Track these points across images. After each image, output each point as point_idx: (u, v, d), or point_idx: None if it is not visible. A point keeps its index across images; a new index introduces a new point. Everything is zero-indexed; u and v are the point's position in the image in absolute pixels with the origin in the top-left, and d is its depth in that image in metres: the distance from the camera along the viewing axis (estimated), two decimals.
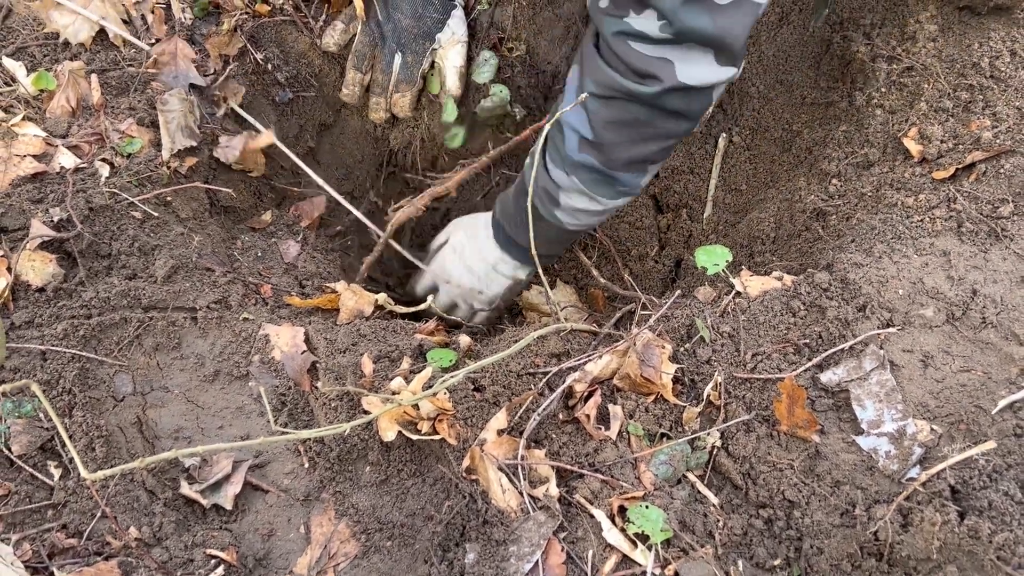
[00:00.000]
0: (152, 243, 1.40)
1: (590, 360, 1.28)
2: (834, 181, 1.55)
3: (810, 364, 1.22)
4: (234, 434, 1.27)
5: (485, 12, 1.79)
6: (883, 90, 1.52)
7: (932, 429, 1.13)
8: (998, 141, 1.34)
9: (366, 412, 1.22)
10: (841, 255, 1.37)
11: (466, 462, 1.17)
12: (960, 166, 1.36)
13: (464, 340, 1.40)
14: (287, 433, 1.09)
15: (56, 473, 1.16)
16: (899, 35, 1.54)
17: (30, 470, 1.15)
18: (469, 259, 1.72)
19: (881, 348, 1.21)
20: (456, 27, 1.74)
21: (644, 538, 1.09)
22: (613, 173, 1.38)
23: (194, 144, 1.50)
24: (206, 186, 1.52)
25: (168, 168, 1.47)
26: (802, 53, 1.71)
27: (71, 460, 1.18)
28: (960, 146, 1.39)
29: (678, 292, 1.36)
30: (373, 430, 1.21)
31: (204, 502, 1.18)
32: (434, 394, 1.16)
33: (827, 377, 1.21)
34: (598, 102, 1.31)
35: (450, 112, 1.77)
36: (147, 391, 1.29)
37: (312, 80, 1.80)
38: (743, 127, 1.80)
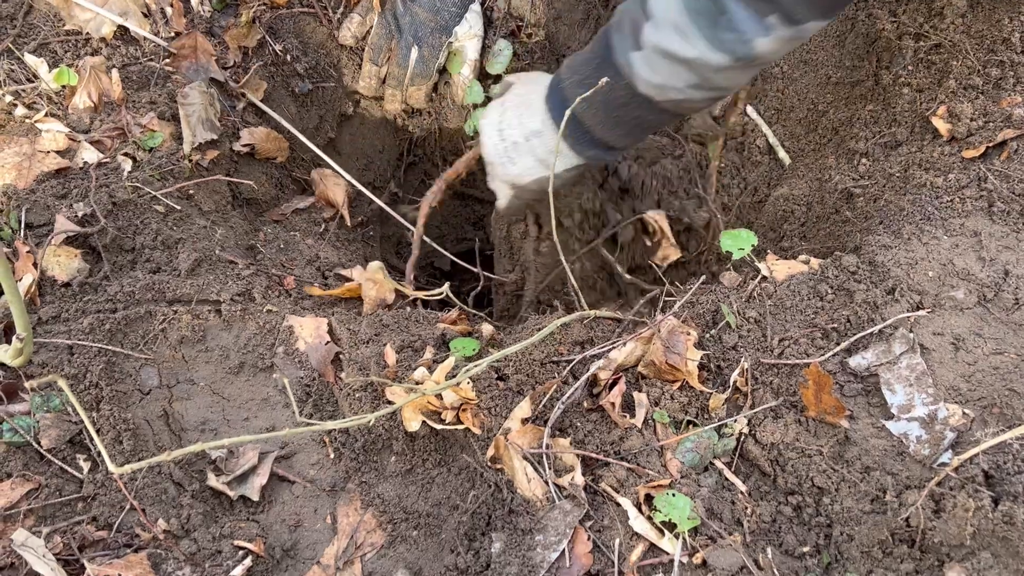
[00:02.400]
0: (175, 236, 1.40)
1: (614, 348, 1.27)
2: (863, 161, 1.52)
3: (838, 348, 1.20)
4: (260, 426, 1.28)
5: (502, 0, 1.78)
6: (910, 68, 1.49)
7: (964, 413, 1.11)
8: None
9: (390, 403, 1.22)
10: (869, 237, 1.35)
11: (491, 451, 1.16)
12: (991, 144, 1.33)
13: (487, 329, 1.39)
14: (312, 424, 1.09)
15: (85, 466, 1.17)
16: (926, 11, 1.51)
17: (60, 464, 1.16)
18: (506, 118, 1.37)
19: (911, 331, 1.19)
20: (473, 21, 1.73)
21: (671, 526, 1.08)
22: (724, 1, 1.02)
23: (215, 137, 1.51)
24: (228, 179, 1.52)
25: (190, 161, 1.48)
26: (826, 31, 1.68)
27: (99, 453, 1.19)
28: (990, 124, 1.36)
29: (702, 278, 1.34)
30: (397, 420, 1.21)
31: (231, 494, 1.19)
32: (457, 383, 1.16)
33: (856, 362, 1.19)
34: None
35: (474, 94, 1.77)
36: (173, 384, 1.30)
37: (331, 71, 1.80)
38: (768, 107, 1.77)
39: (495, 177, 1.42)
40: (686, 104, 1.16)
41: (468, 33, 1.75)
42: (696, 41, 1.05)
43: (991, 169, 1.30)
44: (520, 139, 1.33)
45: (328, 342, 1.34)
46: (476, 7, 1.77)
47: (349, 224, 1.71)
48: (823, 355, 1.20)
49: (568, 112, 1.16)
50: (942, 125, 1.40)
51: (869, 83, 1.58)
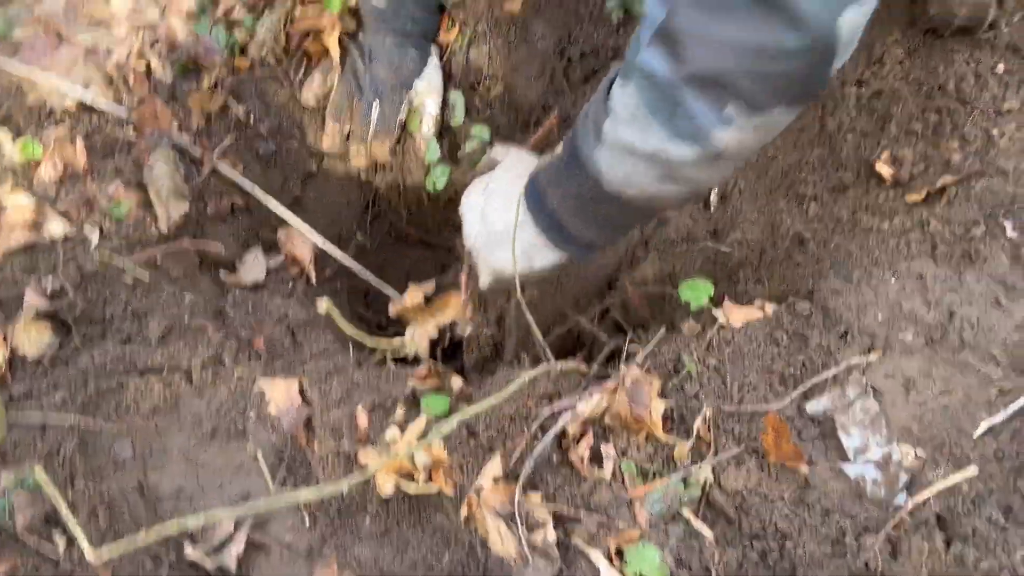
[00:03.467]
0: (145, 306, 1.42)
1: (581, 400, 1.30)
2: (812, 205, 1.58)
3: (795, 394, 1.25)
4: (234, 492, 1.29)
5: (460, 53, 1.82)
6: (853, 114, 1.55)
7: (917, 454, 1.16)
8: (967, 163, 1.37)
9: (363, 466, 1.24)
10: (821, 282, 1.39)
11: (464, 511, 1.19)
12: (932, 189, 1.39)
13: (457, 383, 1.42)
14: (286, 496, 1.11)
15: (61, 544, 1.18)
16: (866, 58, 1.57)
17: (35, 545, 1.16)
18: (490, 205, 1.33)
19: (863, 375, 1.24)
20: (432, 76, 1.77)
21: None
22: (679, 90, 0.95)
23: (186, 209, 1.53)
24: (194, 245, 1.54)
25: (156, 229, 1.50)
26: None
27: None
28: (931, 169, 1.42)
29: (663, 329, 1.38)
30: (371, 484, 1.23)
31: (209, 565, 1.20)
32: (428, 445, 1.19)
33: (812, 407, 1.23)
34: None
35: (432, 152, 1.80)
36: (147, 454, 1.31)
37: (295, 131, 1.83)
38: None
39: (477, 260, 1.40)
40: (658, 200, 1.12)
41: (428, 88, 1.79)
42: (654, 134, 1.00)
43: (933, 213, 1.36)
44: (502, 229, 1.29)
45: (299, 404, 1.35)
46: (435, 61, 1.81)
47: (314, 281, 1.73)
48: (781, 401, 1.25)
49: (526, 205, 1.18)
50: (885, 170, 1.46)
51: (815, 128, 1.63)
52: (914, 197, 1.40)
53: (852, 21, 0.86)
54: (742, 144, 1.01)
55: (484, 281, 1.43)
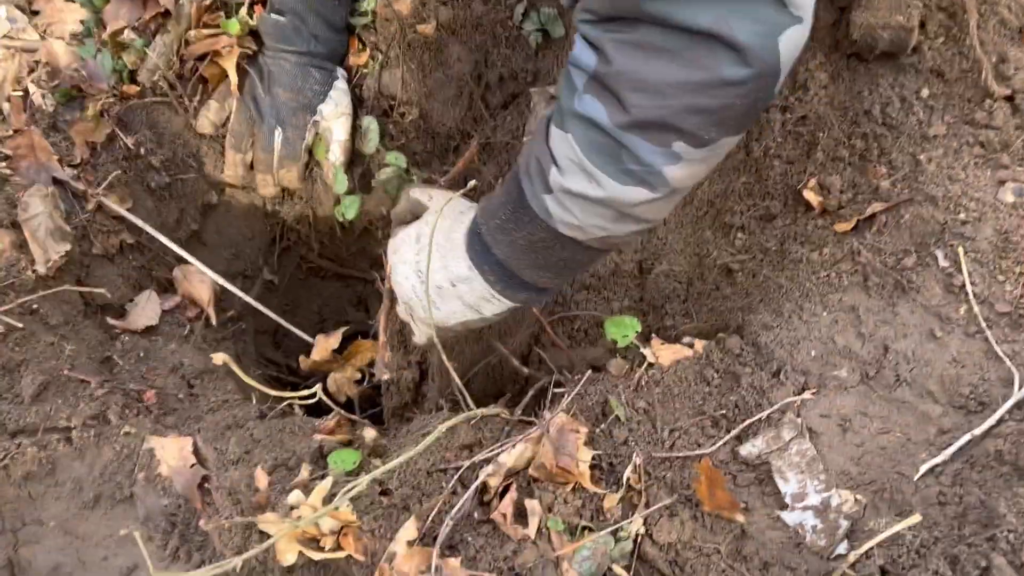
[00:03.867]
0: (17, 358, 1.28)
1: (503, 451, 1.21)
2: (739, 235, 1.52)
3: (728, 436, 1.18)
4: (120, 565, 1.17)
5: (372, 77, 1.73)
6: (779, 140, 1.51)
7: (856, 499, 1.10)
8: (896, 190, 1.33)
9: (263, 533, 1.13)
10: (751, 316, 1.34)
11: None
12: (861, 217, 1.35)
13: (369, 434, 1.32)
14: (174, 574, 0.99)
15: None
16: (791, 83, 1.53)
17: None
18: (425, 259, 1.24)
19: (798, 415, 1.18)
20: (339, 99, 1.67)
21: None
22: (622, 136, 0.92)
23: (68, 248, 1.38)
24: (78, 288, 1.41)
25: (33, 272, 1.35)
26: None
27: None
28: (860, 196, 1.38)
29: (589, 371, 1.30)
30: (272, 552, 1.11)
31: None
32: (335, 508, 1.08)
33: (747, 450, 1.17)
34: (608, 29, 0.90)
35: (340, 183, 1.70)
36: (18, 527, 1.17)
37: (191, 161, 1.70)
38: None
39: (413, 317, 1.31)
40: (612, 240, 1.07)
41: (335, 112, 1.68)
42: (603, 181, 0.96)
43: (863, 243, 1.32)
44: (445, 284, 1.21)
45: (194, 464, 1.23)
46: (341, 84, 1.71)
47: (215, 323, 1.60)
48: (714, 444, 1.18)
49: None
50: (813, 198, 1.41)
51: (740, 155, 1.58)
52: (843, 226, 1.36)
53: (791, 41, 0.83)
54: (693, 176, 0.98)
55: (422, 337, 1.34)
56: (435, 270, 1.21)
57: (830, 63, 1.49)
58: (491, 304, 1.21)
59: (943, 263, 1.24)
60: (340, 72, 1.70)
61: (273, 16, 1.63)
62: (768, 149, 1.52)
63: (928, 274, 1.24)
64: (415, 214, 1.30)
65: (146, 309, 1.52)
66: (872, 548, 1.02)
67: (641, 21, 0.85)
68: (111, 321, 1.47)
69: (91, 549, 1.18)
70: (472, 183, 1.18)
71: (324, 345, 1.57)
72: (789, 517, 1.11)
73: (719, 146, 0.94)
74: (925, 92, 1.39)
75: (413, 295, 1.25)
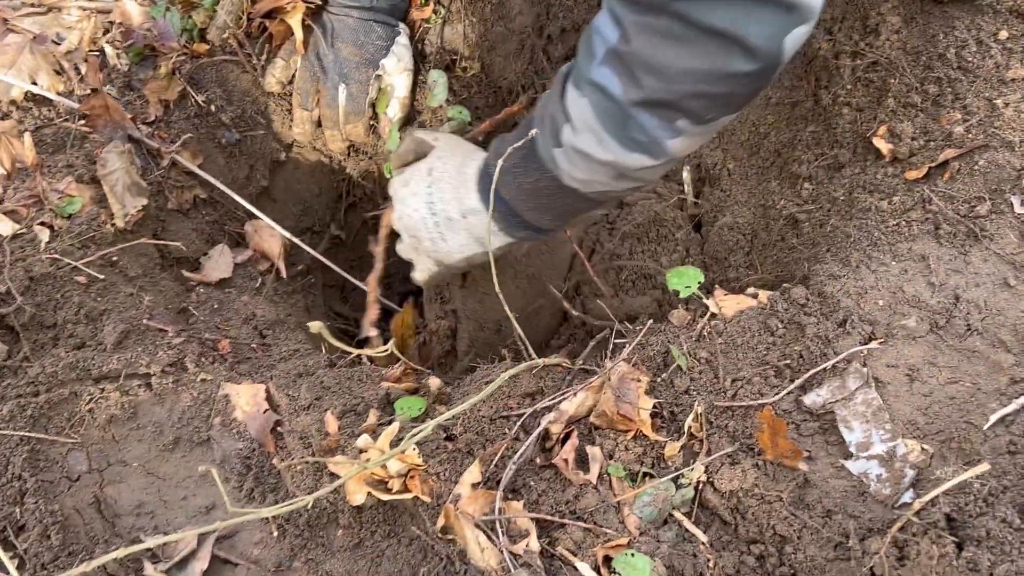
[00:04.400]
0: (99, 308, 1.33)
1: (564, 399, 1.22)
2: (807, 185, 1.49)
3: (792, 386, 1.17)
4: (198, 504, 1.22)
5: (434, 32, 1.73)
6: (849, 87, 1.47)
7: (923, 448, 1.08)
8: (970, 136, 1.29)
9: (333, 475, 1.17)
10: (817, 266, 1.32)
11: (441, 521, 1.11)
12: (933, 164, 1.31)
13: (434, 383, 1.34)
14: (249, 512, 1.03)
15: (12, 567, 1.10)
16: (861, 29, 1.49)
17: None
18: (438, 191, 1.32)
19: (864, 365, 1.16)
20: (401, 54, 1.68)
21: None
22: (632, 110, 1.02)
23: (145, 202, 1.43)
24: (154, 241, 1.46)
25: (113, 226, 1.41)
26: None
27: (26, 551, 1.12)
28: (932, 143, 1.34)
29: (651, 320, 1.30)
30: (342, 493, 1.15)
31: None
32: (402, 451, 1.11)
33: (811, 399, 1.16)
34: (634, 11, 0.97)
35: (393, 140, 1.72)
36: (103, 467, 1.23)
37: (259, 118, 1.74)
38: None
39: (419, 251, 1.39)
40: (611, 194, 1.19)
41: (397, 67, 1.69)
42: (610, 145, 1.06)
43: (935, 190, 1.28)
44: (456, 215, 1.30)
45: (267, 410, 1.28)
46: (403, 39, 1.72)
47: (285, 276, 1.65)
48: (777, 394, 1.17)
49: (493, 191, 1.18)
50: (884, 145, 1.37)
51: (809, 103, 1.55)
52: (914, 174, 1.32)
53: (796, 38, 0.92)
54: (691, 147, 1.10)
55: (424, 272, 1.43)
56: (447, 201, 1.31)
57: (903, 6, 1.45)
58: (494, 238, 1.30)
59: (1019, 210, 1.20)
60: (402, 27, 1.71)
61: None
62: (837, 97, 1.49)
63: (1002, 221, 1.21)
64: (419, 154, 1.38)
65: (219, 262, 1.57)
66: (938, 496, 1.01)
67: (665, 11, 0.92)
68: (186, 273, 1.52)
69: (171, 489, 1.23)
70: (533, 131, 1.19)
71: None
72: (853, 466, 1.10)
73: (717, 124, 1.05)
74: (1004, 34, 1.34)
75: (422, 226, 1.34)
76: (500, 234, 1.30)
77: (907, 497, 1.06)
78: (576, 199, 1.19)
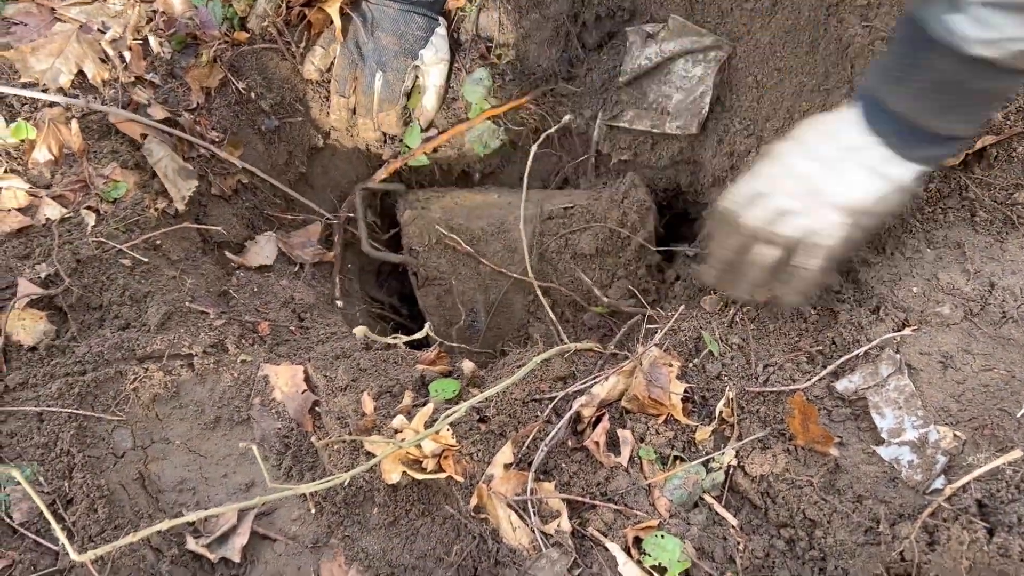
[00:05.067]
0: (143, 290, 1.37)
1: (596, 382, 1.24)
2: None
3: (824, 372, 1.18)
4: (239, 482, 1.25)
5: (469, 20, 1.75)
6: None
7: (955, 435, 1.08)
8: (1009, 123, 1.28)
9: (369, 454, 1.19)
10: (851, 253, 1.31)
11: (474, 500, 1.14)
12: (970, 151, 1.30)
13: (468, 366, 1.36)
14: (287, 489, 1.06)
15: (63, 536, 1.14)
16: (898, 14, 1.47)
17: (33, 537, 1.13)
18: (809, 146, 1.15)
19: (897, 352, 1.16)
20: (439, 45, 1.70)
21: (662, 570, 1.06)
22: None
23: (196, 183, 1.47)
24: (196, 226, 1.49)
25: (156, 210, 1.45)
26: (798, 39, 1.65)
27: (74, 523, 1.16)
28: None
29: (682, 306, 1.31)
30: (378, 472, 1.18)
31: (212, 556, 1.16)
32: (436, 432, 1.13)
33: (843, 385, 1.16)
34: None
35: (414, 137, 1.74)
36: (147, 444, 1.27)
37: (298, 105, 1.77)
38: (743, 118, 1.74)
39: (807, 210, 1.15)
40: (1016, 53, 0.98)
41: (434, 58, 1.71)
42: None
43: (972, 177, 1.27)
44: (834, 154, 1.13)
45: (305, 390, 1.31)
46: (441, 31, 1.74)
47: (326, 259, 1.68)
48: (809, 380, 1.18)
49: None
50: None
51: (844, 90, 1.54)
52: (951, 161, 1.31)
53: None
54: None
55: (831, 234, 1.15)
56: (818, 144, 1.15)
57: None
58: (901, 165, 1.10)
59: None
60: (441, 20, 1.72)
61: None
62: None
63: None
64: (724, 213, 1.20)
65: (265, 249, 1.60)
66: (969, 482, 1.01)
67: None
68: (230, 256, 1.55)
69: (212, 466, 1.27)
70: (567, 118, 1.20)
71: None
72: (885, 452, 1.11)
73: None
74: None
75: (799, 184, 1.14)
76: (899, 163, 1.10)
77: (938, 483, 1.06)
78: (986, 76, 1.00)
